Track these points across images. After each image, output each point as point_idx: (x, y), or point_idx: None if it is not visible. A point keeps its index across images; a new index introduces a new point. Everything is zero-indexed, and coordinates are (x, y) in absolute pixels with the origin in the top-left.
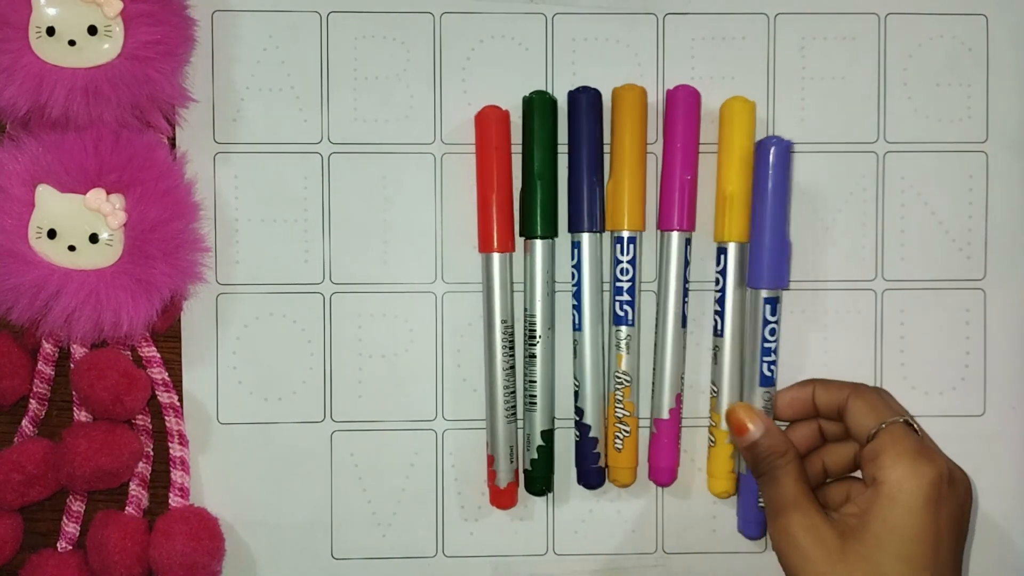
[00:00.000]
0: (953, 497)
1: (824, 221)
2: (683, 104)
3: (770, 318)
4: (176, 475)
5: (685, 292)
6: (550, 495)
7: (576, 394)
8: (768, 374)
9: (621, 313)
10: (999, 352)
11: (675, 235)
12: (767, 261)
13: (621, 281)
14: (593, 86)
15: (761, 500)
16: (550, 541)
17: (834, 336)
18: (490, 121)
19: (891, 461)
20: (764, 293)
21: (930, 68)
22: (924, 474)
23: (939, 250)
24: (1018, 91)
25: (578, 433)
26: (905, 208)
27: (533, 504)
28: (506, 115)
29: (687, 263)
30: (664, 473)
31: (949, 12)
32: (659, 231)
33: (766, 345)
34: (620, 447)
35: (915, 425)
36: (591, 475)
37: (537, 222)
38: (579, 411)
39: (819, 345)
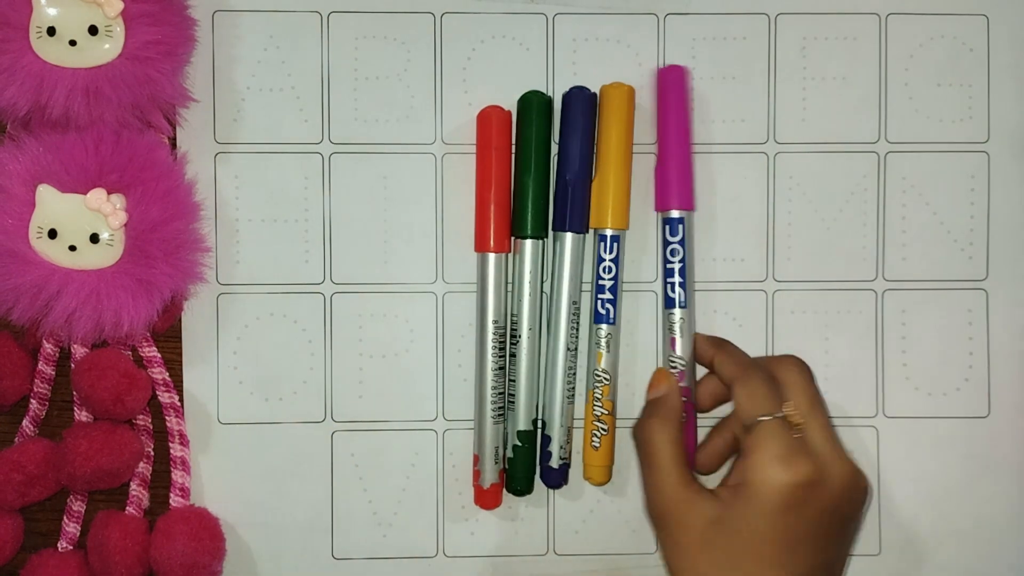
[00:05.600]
0: (817, 501)
1: (825, 221)
2: (672, 86)
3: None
4: (177, 475)
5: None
6: (553, 495)
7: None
8: (602, 312)
9: (603, 311)
10: (1003, 353)
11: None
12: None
13: (603, 279)
14: (594, 86)
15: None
16: (550, 541)
17: (835, 336)
18: (491, 121)
19: (756, 463)
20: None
21: (931, 68)
22: (782, 481)
23: (941, 250)
24: (1019, 91)
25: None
26: (906, 208)
27: (534, 504)
28: (508, 115)
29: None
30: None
31: (950, 12)
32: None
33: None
34: (597, 445)
35: (795, 417)
36: (545, 474)
37: (527, 222)
38: (540, 408)
39: (820, 345)
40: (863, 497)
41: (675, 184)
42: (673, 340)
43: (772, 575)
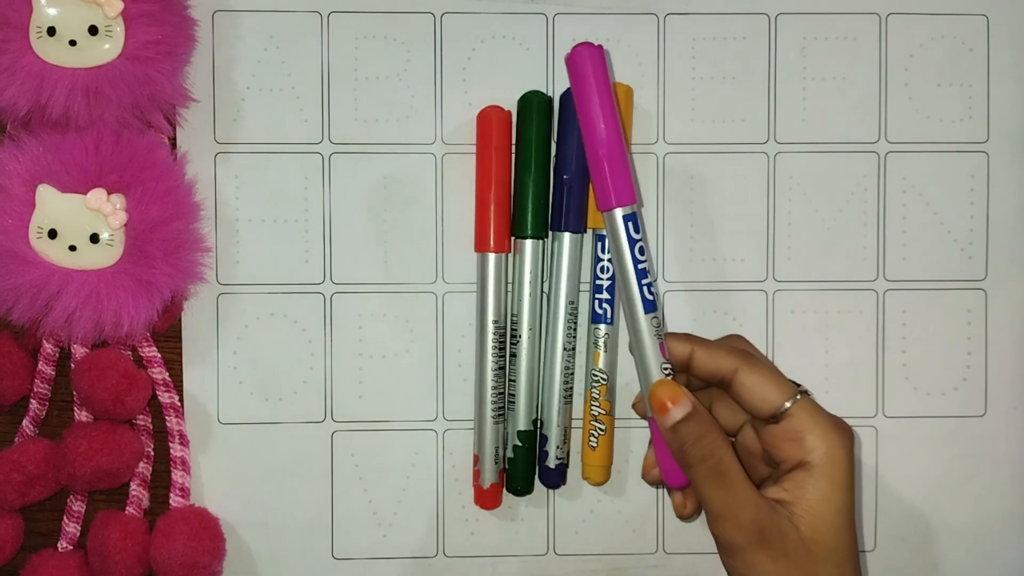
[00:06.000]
0: None
1: (825, 221)
2: (590, 64)
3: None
4: (177, 475)
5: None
6: (553, 495)
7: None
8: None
9: (600, 311)
10: (1000, 353)
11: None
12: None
13: (601, 279)
14: None
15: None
16: (550, 541)
17: (835, 336)
18: (491, 121)
19: (818, 441)
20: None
21: (931, 68)
22: (847, 444)
23: (940, 250)
24: (1019, 91)
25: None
26: (906, 208)
27: (533, 504)
28: (508, 115)
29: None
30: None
31: (950, 12)
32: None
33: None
34: (595, 445)
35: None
36: (542, 474)
37: (527, 222)
38: (538, 408)
39: (820, 345)
40: None
41: (611, 179)
42: (662, 346)
43: (855, 545)
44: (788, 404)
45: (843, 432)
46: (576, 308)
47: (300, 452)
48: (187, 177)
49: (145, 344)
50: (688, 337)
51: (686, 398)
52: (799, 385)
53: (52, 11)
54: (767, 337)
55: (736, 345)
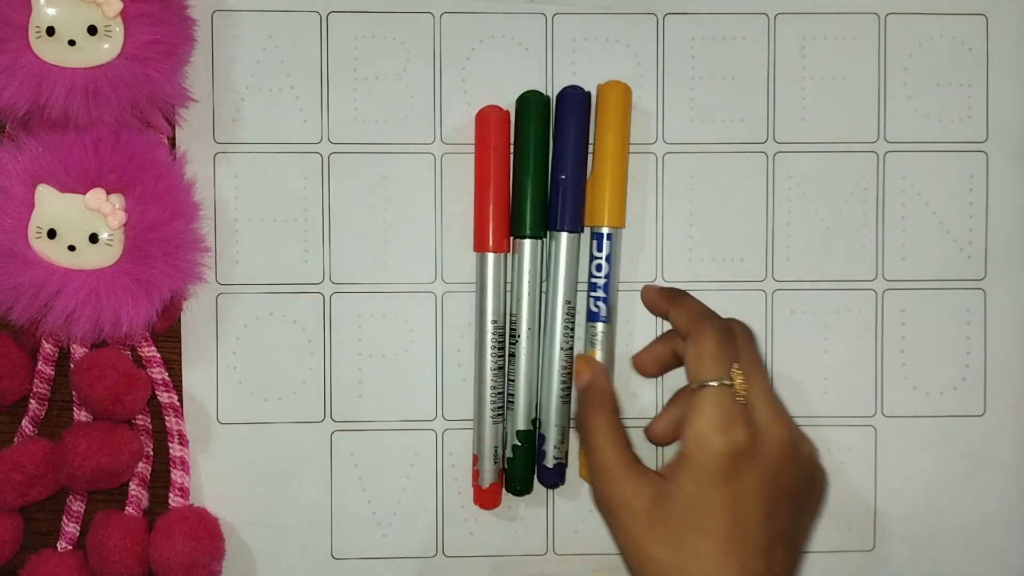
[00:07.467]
0: (755, 469)
1: (825, 221)
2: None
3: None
4: (176, 475)
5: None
6: (552, 495)
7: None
8: (595, 310)
9: (595, 310)
10: (999, 352)
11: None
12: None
13: (597, 278)
14: (592, 86)
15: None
16: (550, 541)
17: (834, 336)
18: (490, 121)
19: (693, 432)
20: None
21: (930, 68)
22: (717, 450)
23: (939, 250)
24: (1018, 91)
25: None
26: (905, 208)
27: (533, 504)
28: (506, 115)
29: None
30: None
31: (949, 12)
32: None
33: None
34: None
35: (740, 386)
36: (540, 473)
37: (526, 221)
38: (537, 408)
39: (819, 345)
40: (808, 465)
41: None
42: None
43: (718, 548)
44: (701, 385)
45: (721, 436)
46: (573, 308)
47: (300, 452)
48: (186, 177)
49: (144, 344)
50: (671, 294)
51: (587, 372)
52: (731, 380)
53: (51, 11)
54: (767, 337)
55: (729, 327)
